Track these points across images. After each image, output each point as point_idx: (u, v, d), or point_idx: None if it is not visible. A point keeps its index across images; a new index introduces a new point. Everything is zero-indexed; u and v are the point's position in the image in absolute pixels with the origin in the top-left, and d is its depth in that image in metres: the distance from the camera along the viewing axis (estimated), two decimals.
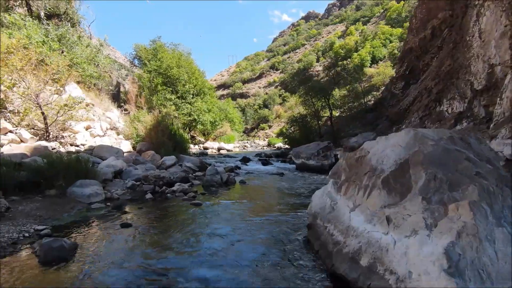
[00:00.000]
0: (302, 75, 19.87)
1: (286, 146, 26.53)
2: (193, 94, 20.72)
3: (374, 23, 64.99)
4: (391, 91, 22.44)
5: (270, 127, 55.06)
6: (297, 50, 78.89)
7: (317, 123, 18.79)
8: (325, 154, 10.21)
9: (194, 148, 18.70)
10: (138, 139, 9.61)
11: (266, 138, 45.80)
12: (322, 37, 77.90)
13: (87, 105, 11.22)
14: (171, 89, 19.03)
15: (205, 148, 20.55)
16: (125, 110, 15.05)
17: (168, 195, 5.53)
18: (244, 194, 5.98)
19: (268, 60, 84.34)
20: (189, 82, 20.09)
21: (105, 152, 7.17)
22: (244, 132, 57.82)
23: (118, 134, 10.28)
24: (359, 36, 59.56)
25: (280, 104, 59.26)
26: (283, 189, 6.50)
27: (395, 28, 50.12)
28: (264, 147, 26.49)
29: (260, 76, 77.55)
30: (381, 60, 47.02)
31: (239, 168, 10.48)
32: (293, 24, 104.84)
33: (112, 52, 56.66)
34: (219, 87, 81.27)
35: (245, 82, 78.08)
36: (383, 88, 25.82)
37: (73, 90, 10.83)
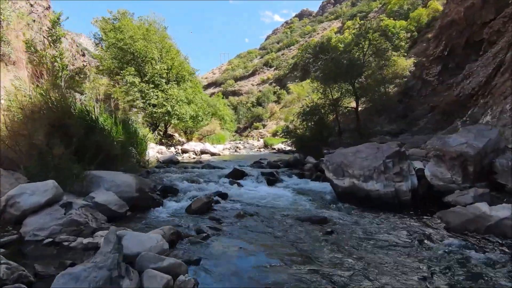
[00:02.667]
0: (323, 49, 14.32)
1: (287, 147, 21.28)
2: (167, 79, 15.16)
3: (372, 18, 60.37)
4: (423, 78, 17.36)
5: (264, 126, 49.66)
6: (291, 47, 73.75)
7: (335, 117, 13.46)
8: (399, 169, 4.85)
9: (166, 152, 13.13)
10: None
11: (261, 138, 40.44)
12: (317, 33, 73.00)
13: None
14: (133, 68, 13.42)
15: (184, 151, 14.98)
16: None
17: None
18: None
19: (261, 57, 79.00)
20: (162, 62, 14.52)
21: None
22: (236, 131, 52.28)
23: None
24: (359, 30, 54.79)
25: (275, 101, 54.01)
26: None
27: (399, 21, 45.45)
28: (261, 149, 21.14)
29: (253, 74, 72.10)
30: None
31: (225, 197, 5.03)
32: (286, 22, 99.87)
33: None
34: (210, 85, 75.51)
35: (237, 79, 72.50)
36: (403, 78, 20.80)
37: None
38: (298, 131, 14.21)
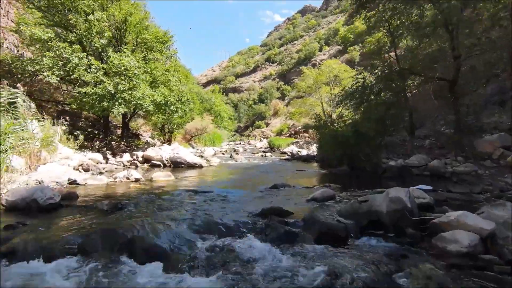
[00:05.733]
0: None
1: (302, 150, 15.13)
2: (117, 45, 9.14)
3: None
4: None
5: (267, 124, 43.52)
6: (295, 42, 67.49)
7: (402, 99, 7.26)
8: None
9: (97, 166, 7.09)
10: None
11: (264, 137, 34.33)
12: (322, 28, 66.78)
13: None
14: (47, 20, 7.42)
15: (146, 160, 8.98)
16: None
17: None
18: None
19: (263, 54, 72.76)
20: (102, 11, 8.48)
21: None
22: (236, 131, 46.21)
23: None
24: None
25: (279, 98, 47.80)
26: None
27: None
28: (266, 154, 15.07)
29: (254, 70, 65.93)
30: None
31: None
32: (288, 19, 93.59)
33: None
34: (210, 82, 69.48)
35: (238, 76, 66.39)
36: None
37: None
38: (335, 125, 8.12)
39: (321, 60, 48.23)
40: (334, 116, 15.71)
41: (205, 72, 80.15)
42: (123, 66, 7.99)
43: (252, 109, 48.62)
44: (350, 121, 8.37)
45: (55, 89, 10.04)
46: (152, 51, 10.07)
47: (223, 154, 15.30)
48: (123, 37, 9.44)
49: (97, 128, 10.17)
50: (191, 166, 8.61)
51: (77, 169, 6.56)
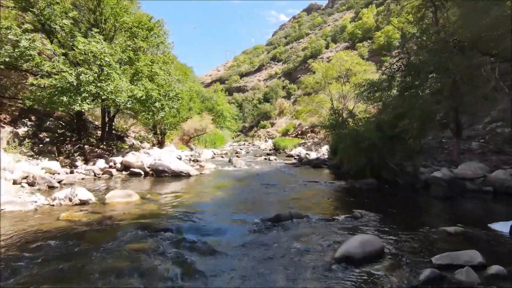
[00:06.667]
0: None
1: (310, 152, 13.34)
2: (94, 29, 7.59)
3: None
4: None
5: (272, 124, 41.70)
6: (300, 40, 65.47)
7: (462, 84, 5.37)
8: None
9: (50, 177, 5.45)
10: None
11: (269, 138, 32.59)
12: (328, 25, 64.62)
13: None
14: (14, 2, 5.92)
15: (126, 167, 7.40)
16: None
17: None
18: None
19: (268, 52, 70.96)
20: None
21: None
22: (241, 131, 44.57)
23: None
24: (377, 16, 46.06)
25: (284, 97, 45.92)
26: None
27: None
28: (270, 157, 13.34)
29: (259, 69, 64.13)
30: None
31: None
32: (294, 17, 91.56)
33: None
34: (215, 82, 68.12)
35: (243, 75, 64.72)
36: None
37: None
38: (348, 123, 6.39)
39: (327, 57, 46.21)
40: (345, 114, 13.86)
41: (210, 72, 78.84)
42: (90, 52, 6.38)
43: (257, 108, 46.92)
44: (374, 118, 6.60)
45: (22, 84, 8.53)
46: (135, 39, 8.46)
47: (222, 157, 13.65)
48: (100, 21, 7.87)
49: (72, 129, 8.62)
50: (177, 175, 6.97)
51: (20, 184, 4.98)
